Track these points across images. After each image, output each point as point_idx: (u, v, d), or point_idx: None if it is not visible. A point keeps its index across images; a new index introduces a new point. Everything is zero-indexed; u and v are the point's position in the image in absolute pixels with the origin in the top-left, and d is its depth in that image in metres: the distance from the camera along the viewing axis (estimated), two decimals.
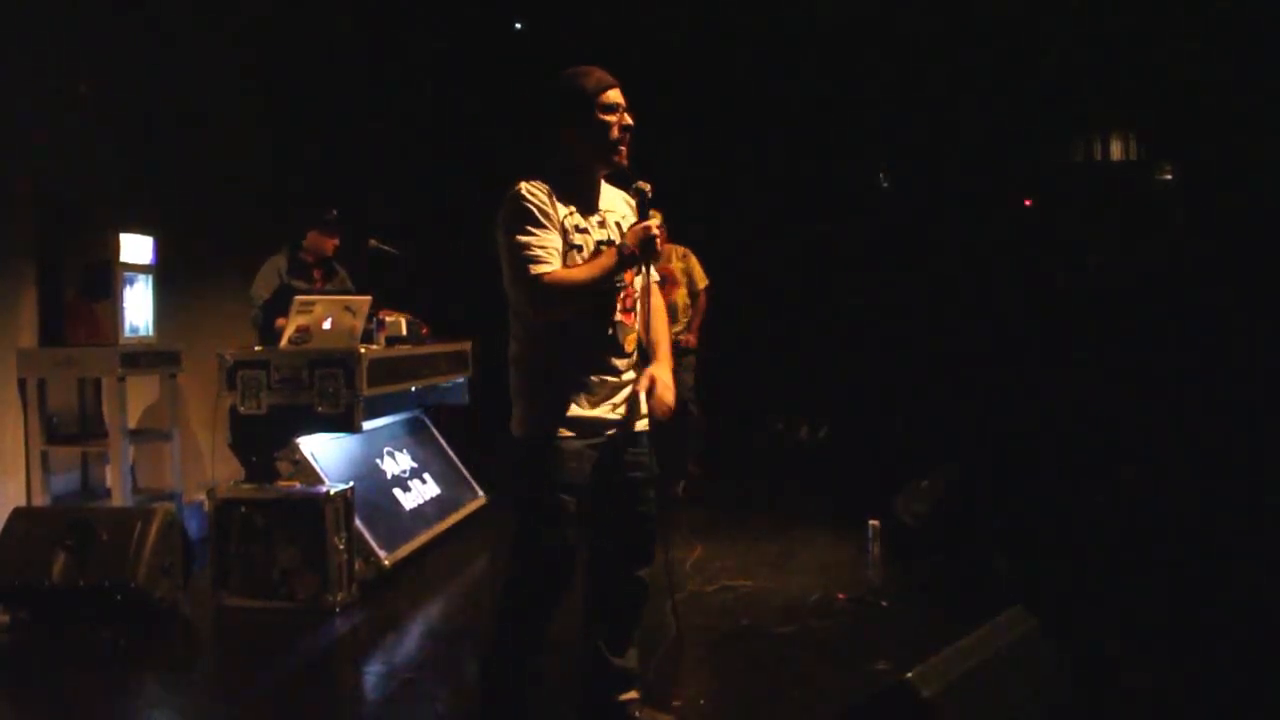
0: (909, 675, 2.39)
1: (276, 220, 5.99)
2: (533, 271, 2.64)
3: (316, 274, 5.56)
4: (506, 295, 2.77)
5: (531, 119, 2.86)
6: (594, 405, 2.78)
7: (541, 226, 2.68)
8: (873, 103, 8.68)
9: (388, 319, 5.27)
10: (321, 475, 4.63)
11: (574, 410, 2.75)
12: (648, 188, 2.82)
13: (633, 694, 3.01)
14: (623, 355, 2.84)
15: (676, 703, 3.29)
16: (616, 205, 2.90)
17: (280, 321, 5.10)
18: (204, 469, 5.71)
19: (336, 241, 5.55)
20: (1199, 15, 6.78)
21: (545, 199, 2.71)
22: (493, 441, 7.00)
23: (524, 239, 2.66)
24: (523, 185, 2.72)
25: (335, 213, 5.51)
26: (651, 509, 2.92)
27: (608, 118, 2.74)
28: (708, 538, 5.53)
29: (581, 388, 2.76)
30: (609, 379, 2.81)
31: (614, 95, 2.76)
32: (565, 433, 2.74)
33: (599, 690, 3.00)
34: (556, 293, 2.65)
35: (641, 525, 2.92)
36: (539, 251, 2.66)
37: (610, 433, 2.81)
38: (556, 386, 2.76)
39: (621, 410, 2.84)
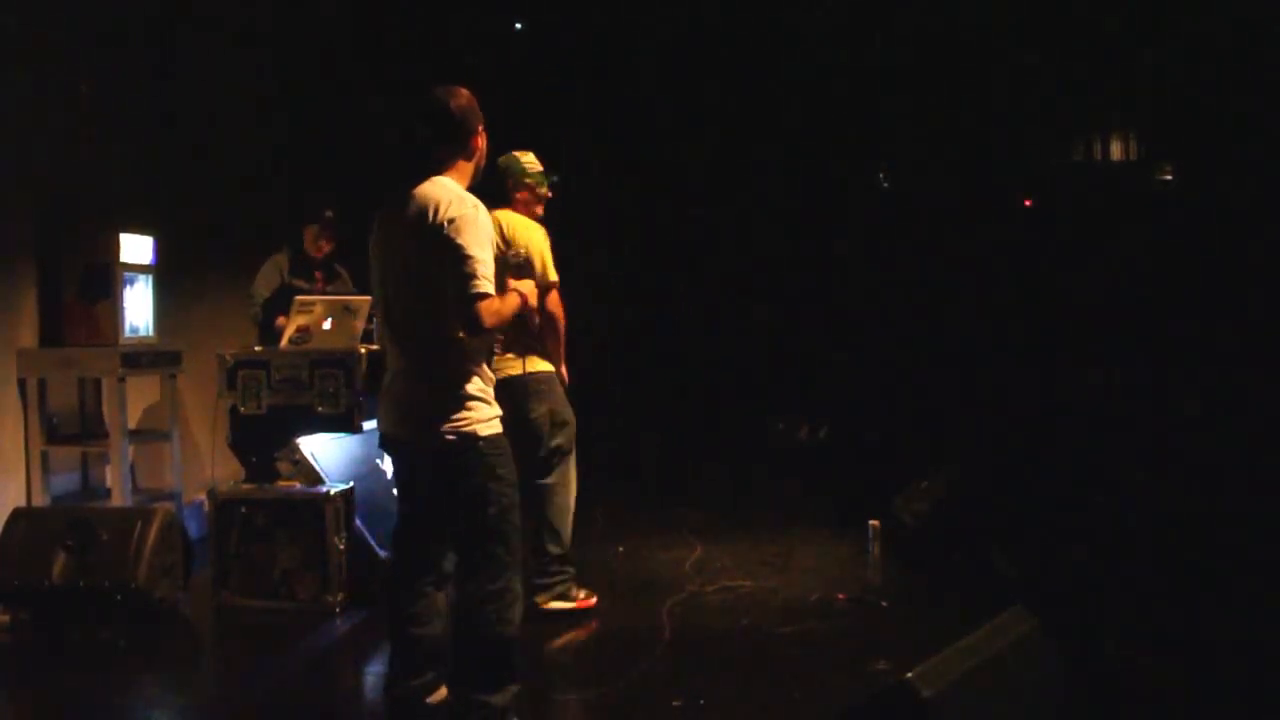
0: (909, 675, 2.39)
1: (277, 220, 5.99)
2: (479, 289, 2.69)
3: (318, 274, 5.56)
4: (456, 294, 2.72)
5: (440, 131, 2.95)
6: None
7: (489, 249, 2.78)
8: (873, 103, 8.68)
9: None
10: (321, 475, 4.62)
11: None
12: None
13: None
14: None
15: (676, 703, 3.29)
16: None
17: (280, 320, 5.10)
18: (204, 469, 5.70)
19: (332, 246, 5.53)
20: (1199, 15, 6.78)
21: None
22: None
23: (484, 256, 2.72)
24: (473, 199, 2.80)
25: (330, 213, 5.49)
26: None
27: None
28: (708, 538, 5.53)
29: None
30: None
31: None
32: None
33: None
34: (491, 321, 2.73)
35: None
36: (490, 274, 2.73)
37: None
38: (490, 388, 2.88)
39: None
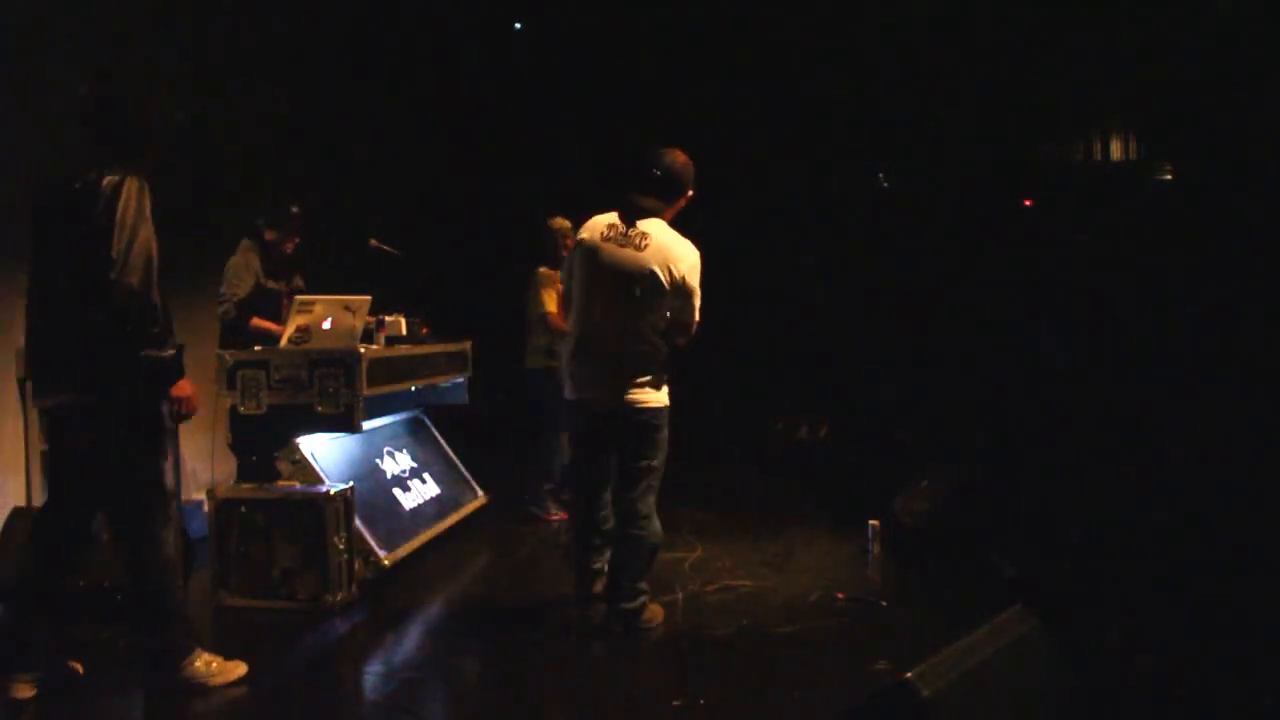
0: (909, 675, 2.39)
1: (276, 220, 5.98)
2: (697, 320, 4.00)
3: (288, 273, 5.49)
4: (681, 322, 3.96)
5: (667, 185, 3.93)
6: None
7: None
8: (873, 102, 8.68)
9: (387, 319, 5.27)
10: (321, 475, 4.62)
11: None
12: None
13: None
14: None
15: (676, 702, 3.29)
16: None
17: (255, 321, 5.10)
18: (204, 469, 5.71)
19: (297, 240, 5.46)
20: (1199, 15, 6.79)
21: None
22: (492, 441, 6.99)
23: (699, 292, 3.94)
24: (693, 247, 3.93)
25: (297, 209, 5.43)
26: None
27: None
28: (708, 538, 5.54)
29: None
30: None
31: None
32: None
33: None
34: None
35: None
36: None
37: None
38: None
39: None
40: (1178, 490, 5.03)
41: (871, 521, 5.25)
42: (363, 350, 4.59)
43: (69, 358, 3.28)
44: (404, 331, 5.39)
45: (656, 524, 4.07)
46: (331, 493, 4.32)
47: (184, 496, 5.41)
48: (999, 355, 7.76)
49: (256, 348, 4.87)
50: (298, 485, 4.48)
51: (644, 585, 4.04)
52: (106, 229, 3.21)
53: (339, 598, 4.28)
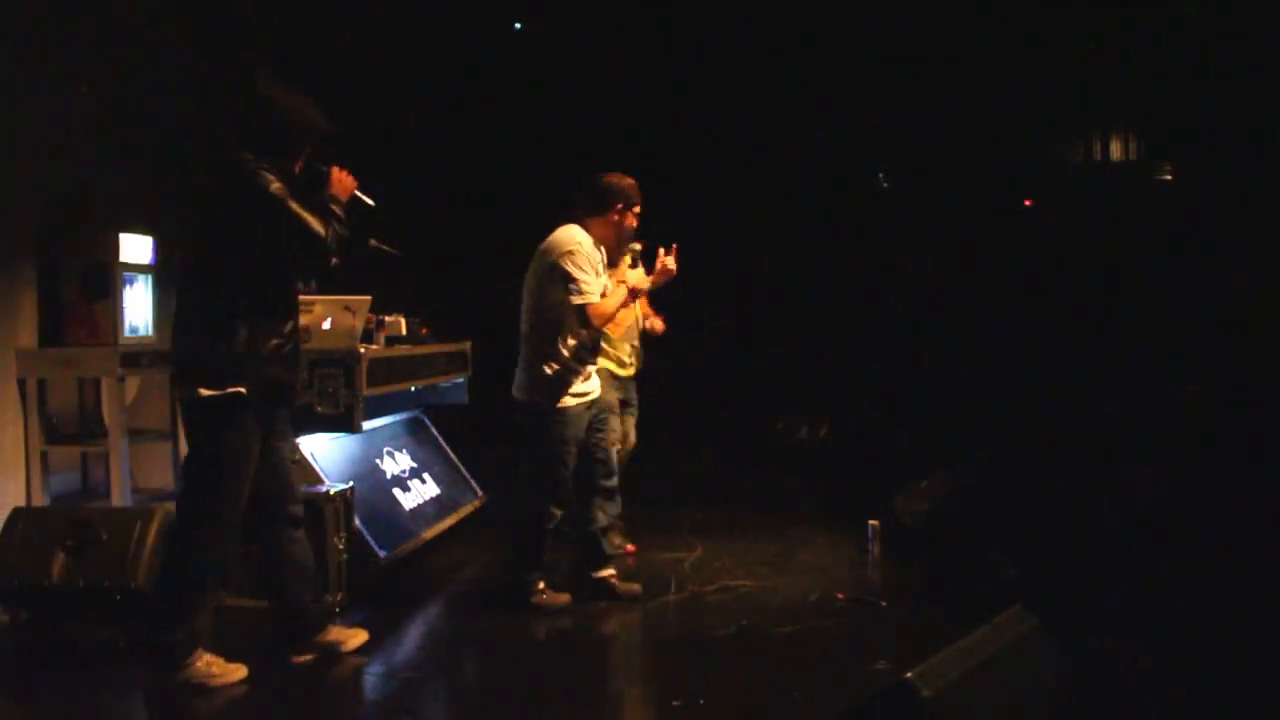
0: (909, 675, 2.39)
1: None
2: (576, 301, 4.05)
3: None
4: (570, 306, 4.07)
5: (594, 197, 4.24)
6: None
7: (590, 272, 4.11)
8: (873, 102, 8.68)
9: (387, 319, 5.27)
10: (321, 475, 4.62)
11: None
12: (637, 248, 4.32)
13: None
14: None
15: (676, 703, 3.29)
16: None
17: None
18: None
19: None
20: (1199, 15, 6.79)
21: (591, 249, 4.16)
22: (492, 440, 7.00)
23: (584, 278, 4.06)
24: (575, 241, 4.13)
25: None
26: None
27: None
28: (708, 538, 5.54)
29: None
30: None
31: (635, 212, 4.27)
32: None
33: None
34: (599, 321, 4.13)
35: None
36: (590, 289, 4.08)
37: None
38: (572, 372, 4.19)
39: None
40: (1177, 490, 5.03)
41: (871, 521, 5.25)
42: (363, 350, 4.58)
43: (175, 353, 3.51)
44: (404, 331, 5.38)
45: (542, 520, 4.24)
46: (331, 493, 4.32)
47: None
48: (998, 356, 7.76)
49: None
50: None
51: (534, 575, 4.29)
52: (263, 226, 3.47)
53: (339, 598, 4.28)
